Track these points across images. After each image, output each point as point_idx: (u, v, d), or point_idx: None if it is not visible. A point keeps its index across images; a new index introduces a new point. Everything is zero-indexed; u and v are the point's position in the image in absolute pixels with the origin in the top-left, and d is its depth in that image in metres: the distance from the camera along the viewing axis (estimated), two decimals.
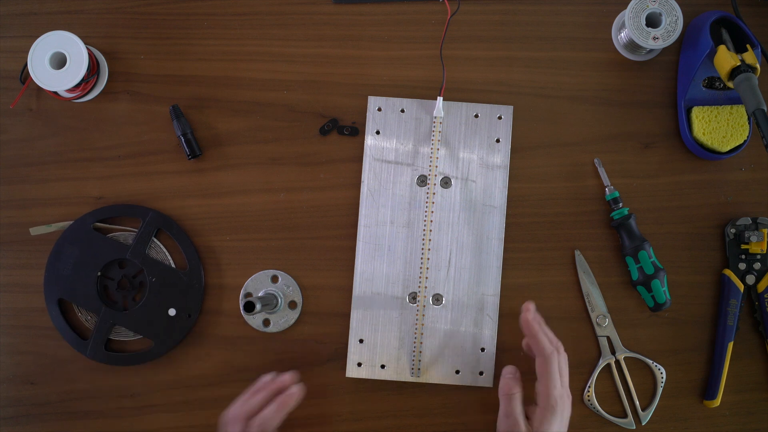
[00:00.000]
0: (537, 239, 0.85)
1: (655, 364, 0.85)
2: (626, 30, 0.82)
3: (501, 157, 0.85)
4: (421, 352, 0.84)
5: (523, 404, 0.78)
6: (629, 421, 0.85)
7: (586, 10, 0.87)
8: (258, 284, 0.85)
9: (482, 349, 0.84)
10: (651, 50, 0.85)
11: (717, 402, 0.84)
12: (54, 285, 0.84)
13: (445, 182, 0.85)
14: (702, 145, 0.84)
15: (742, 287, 0.84)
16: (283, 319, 0.85)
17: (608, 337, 0.85)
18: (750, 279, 0.84)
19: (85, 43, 0.82)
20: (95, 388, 0.85)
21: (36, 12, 0.86)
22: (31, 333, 0.85)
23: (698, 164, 0.86)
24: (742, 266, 0.84)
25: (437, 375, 0.84)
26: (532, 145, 0.86)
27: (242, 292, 0.85)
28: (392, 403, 0.85)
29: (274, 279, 0.85)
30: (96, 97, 0.86)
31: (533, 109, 0.86)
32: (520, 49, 0.86)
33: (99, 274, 0.84)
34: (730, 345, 0.84)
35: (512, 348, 0.85)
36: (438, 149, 0.85)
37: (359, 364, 0.84)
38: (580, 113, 0.86)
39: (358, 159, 0.85)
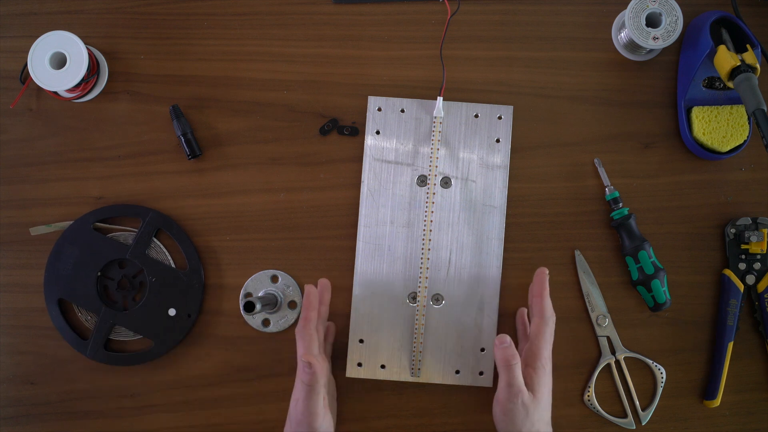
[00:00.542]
0: (537, 239, 0.85)
1: (655, 364, 0.85)
2: (626, 30, 0.82)
3: (501, 157, 0.85)
4: (421, 352, 0.84)
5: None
6: (629, 421, 0.85)
7: (586, 10, 0.87)
8: (258, 284, 0.85)
9: (482, 350, 0.84)
10: (651, 50, 0.85)
11: (717, 402, 0.84)
12: (54, 285, 0.84)
13: (445, 182, 0.85)
14: (702, 145, 0.84)
15: (742, 287, 0.84)
16: (283, 319, 0.85)
17: (608, 337, 0.85)
18: (750, 279, 0.84)
19: (85, 43, 0.82)
20: (95, 388, 0.85)
21: (36, 12, 0.86)
22: (31, 333, 0.85)
23: (698, 164, 0.86)
24: (742, 266, 0.84)
25: (437, 375, 0.84)
26: (532, 145, 0.86)
27: (242, 292, 0.85)
28: (392, 403, 0.85)
29: (274, 279, 0.85)
30: (96, 97, 0.86)
31: (533, 109, 0.86)
32: (520, 49, 0.86)
33: (99, 274, 0.84)
34: (730, 345, 0.84)
35: None
36: (438, 149, 0.84)
37: (359, 364, 0.84)
38: (580, 113, 0.86)
39: (358, 159, 0.85)
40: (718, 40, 0.81)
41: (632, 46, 0.85)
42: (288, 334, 0.85)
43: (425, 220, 0.84)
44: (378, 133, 0.85)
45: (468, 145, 0.85)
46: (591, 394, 0.85)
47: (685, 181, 0.86)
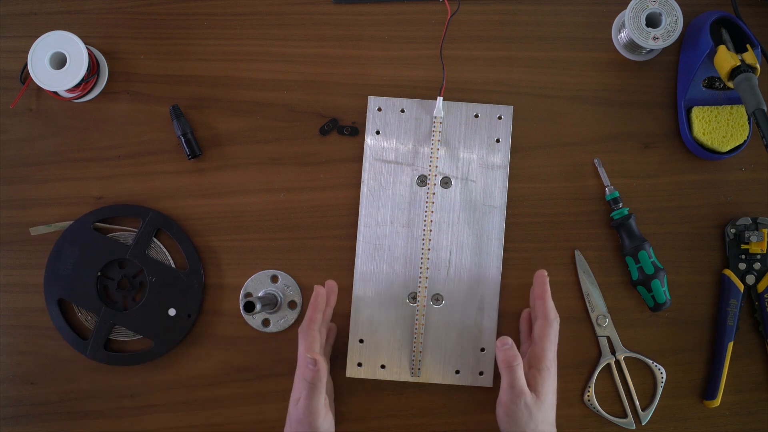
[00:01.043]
0: (537, 239, 0.85)
1: (655, 364, 0.85)
2: (626, 30, 0.82)
3: (501, 157, 0.85)
4: (421, 352, 0.84)
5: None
6: (629, 421, 0.85)
7: (586, 10, 0.87)
8: (258, 284, 0.85)
9: (482, 349, 0.84)
10: (651, 50, 0.85)
11: (717, 402, 0.84)
12: (54, 285, 0.84)
13: (445, 182, 0.85)
14: (702, 145, 0.84)
15: (742, 287, 0.84)
16: (283, 319, 0.85)
17: (608, 337, 0.85)
18: (750, 279, 0.84)
19: (85, 43, 0.82)
20: (95, 388, 0.85)
21: (36, 12, 0.86)
22: (31, 333, 0.85)
23: (698, 164, 0.86)
24: (742, 266, 0.84)
25: (437, 375, 0.84)
26: (532, 145, 0.86)
27: (242, 292, 0.85)
28: (392, 403, 0.85)
29: (274, 279, 0.85)
30: (96, 97, 0.86)
31: (533, 109, 0.86)
32: (520, 49, 0.86)
33: (99, 274, 0.84)
34: (730, 345, 0.84)
35: None
36: (438, 149, 0.84)
37: (359, 364, 0.84)
38: (580, 113, 0.86)
39: (358, 159, 0.85)
40: (718, 40, 0.81)
41: (632, 46, 0.85)
42: (288, 334, 0.85)
43: (425, 220, 0.84)
44: (378, 133, 0.85)
45: (468, 145, 0.85)
46: (591, 394, 0.85)
47: (685, 181, 0.86)
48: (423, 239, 0.84)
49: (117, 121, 0.86)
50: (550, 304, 0.80)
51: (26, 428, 0.85)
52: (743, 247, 0.84)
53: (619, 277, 0.85)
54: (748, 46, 0.79)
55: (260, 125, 0.86)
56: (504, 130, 0.85)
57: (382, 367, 0.84)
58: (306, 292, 0.85)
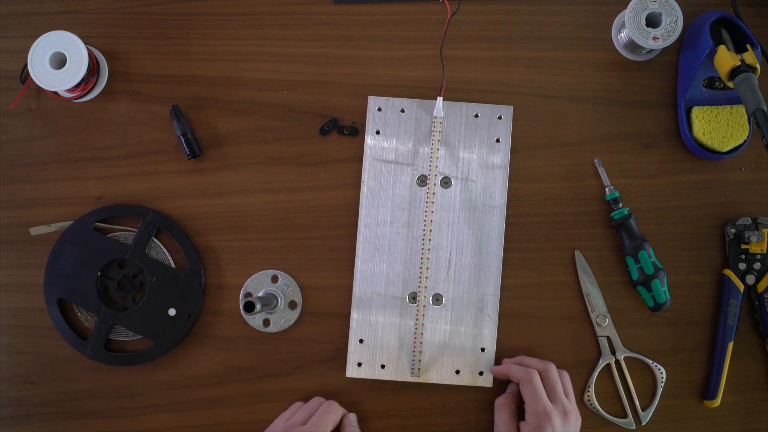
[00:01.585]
0: (537, 239, 0.85)
1: (655, 364, 0.85)
2: (626, 30, 0.82)
3: (501, 157, 0.85)
4: (421, 352, 0.84)
5: (514, 417, 0.80)
6: (629, 421, 0.85)
7: (586, 10, 0.87)
8: (258, 284, 0.85)
9: (482, 349, 0.84)
10: (651, 50, 0.85)
11: (717, 402, 0.84)
12: (54, 285, 0.84)
13: (445, 182, 0.85)
14: (702, 145, 0.84)
15: (742, 287, 0.84)
16: (283, 319, 0.85)
17: (608, 337, 0.85)
18: (750, 279, 0.84)
19: (85, 43, 0.82)
20: (95, 388, 0.85)
21: (36, 12, 0.86)
22: (31, 333, 0.85)
23: (698, 164, 0.86)
24: (742, 266, 0.84)
25: (437, 375, 0.84)
26: (532, 145, 0.86)
27: (242, 292, 0.85)
28: (392, 403, 0.85)
29: (274, 279, 0.85)
30: (96, 97, 0.86)
31: (533, 109, 0.86)
32: (520, 49, 0.86)
33: (99, 274, 0.84)
34: (730, 345, 0.84)
35: (512, 348, 0.85)
36: (438, 149, 0.84)
37: (359, 364, 0.84)
38: (580, 113, 0.86)
39: (358, 159, 0.85)
40: (718, 40, 0.81)
41: (632, 46, 0.85)
42: (288, 334, 0.85)
43: (425, 220, 0.84)
44: (378, 133, 0.85)
45: (468, 145, 0.85)
46: (591, 394, 0.85)
47: (685, 181, 0.86)
48: (423, 239, 0.84)
49: (117, 121, 0.86)
50: (514, 371, 0.80)
51: (26, 428, 0.85)
52: (743, 247, 0.84)
53: (619, 277, 0.85)
54: (748, 46, 0.79)
55: (260, 125, 0.86)
56: (504, 130, 0.85)
57: (382, 367, 0.84)
58: (306, 292, 0.85)
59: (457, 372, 0.84)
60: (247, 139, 0.86)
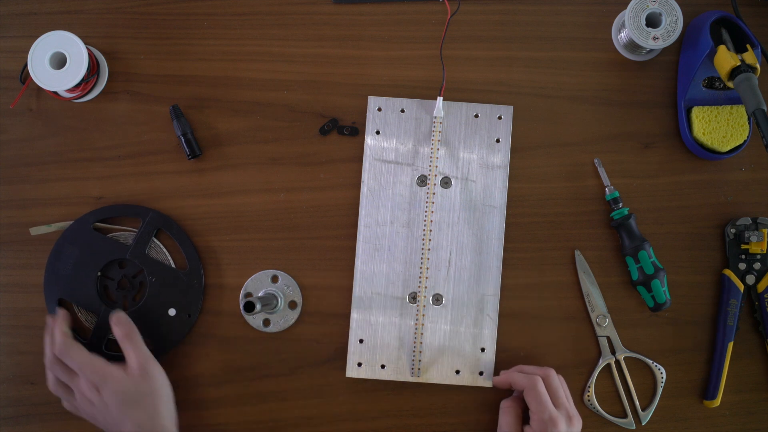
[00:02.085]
0: (537, 239, 0.85)
1: (655, 364, 0.85)
2: (626, 30, 0.82)
3: (501, 157, 0.85)
4: (421, 352, 0.84)
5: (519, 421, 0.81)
6: (629, 421, 0.85)
7: (586, 10, 0.87)
8: (258, 284, 0.85)
9: (482, 349, 0.84)
10: (651, 50, 0.85)
11: (717, 402, 0.84)
12: (54, 285, 0.84)
13: (445, 182, 0.85)
14: (702, 145, 0.84)
15: (742, 287, 0.84)
16: (283, 319, 0.85)
17: (608, 337, 0.85)
18: (750, 279, 0.84)
19: (85, 43, 0.82)
20: None
21: (36, 12, 0.86)
22: (31, 333, 0.85)
23: (698, 164, 0.86)
24: (742, 266, 0.84)
25: (437, 375, 0.84)
26: (532, 145, 0.86)
27: (242, 292, 0.85)
28: (392, 403, 0.85)
29: (274, 279, 0.85)
30: (96, 97, 0.86)
31: (533, 109, 0.86)
32: (520, 49, 0.86)
33: (99, 274, 0.84)
34: (730, 345, 0.84)
35: (512, 348, 0.85)
36: (438, 149, 0.84)
37: (359, 364, 0.84)
38: (580, 113, 0.86)
39: (358, 159, 0.85)
40: (718, 40, 0.81)
41: (632, 46, 0.85)
42: (288, 334, 0.85)
43: (425, 220, 0.84)
44: (378, 133, 0.85)
45: (468, 145, 0.85)
46: (591, 394, 0.85)
47: (685, 181, 0.86)
48: (423, 239, 0.84)
49: (117, 121, 0.86)
50: (518, 379, 0.80)
51: (26, 428, 0.85)
52: (743, 247, 0.84)
53: (619, 277, 0.85)
54: (748, 46, 0.79)
55: (260, 125, 0.86)
56: (504, 130, 0.85)
57: (382, 367, 0.84)
58: (306, 292, 0.85)
59: (457, 372, 0.84)
60: (247, 139, 0.86)
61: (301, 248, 0.85)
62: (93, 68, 0.84)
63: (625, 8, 0.82)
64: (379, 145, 0.85)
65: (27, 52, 0.81)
